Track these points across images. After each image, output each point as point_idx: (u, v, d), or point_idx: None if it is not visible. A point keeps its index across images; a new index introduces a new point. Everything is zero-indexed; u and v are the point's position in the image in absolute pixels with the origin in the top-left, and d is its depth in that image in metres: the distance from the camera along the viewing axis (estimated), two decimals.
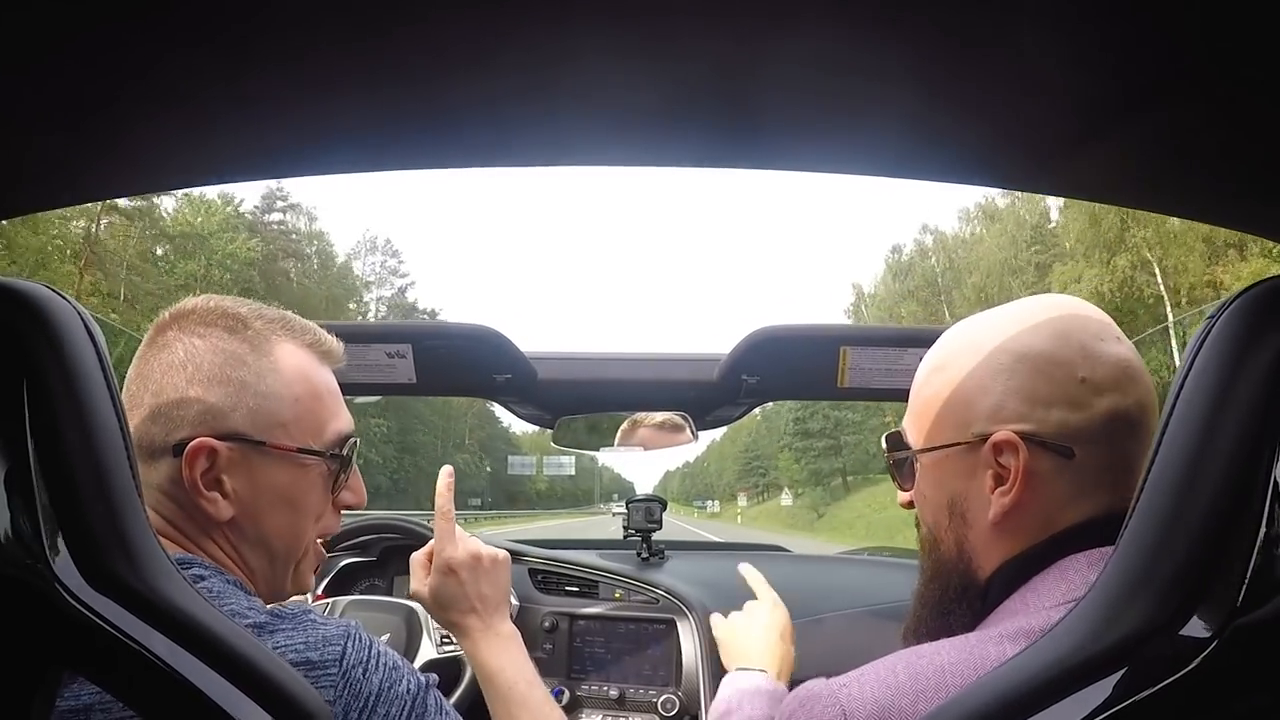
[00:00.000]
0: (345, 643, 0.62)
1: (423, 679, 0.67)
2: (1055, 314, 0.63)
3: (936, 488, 0.67)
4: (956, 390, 0.65)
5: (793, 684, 0.64)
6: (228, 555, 0.68)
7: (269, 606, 0.63)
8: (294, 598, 1.33)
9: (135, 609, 0.42)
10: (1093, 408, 0.60)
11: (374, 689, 0.61)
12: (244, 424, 0.66)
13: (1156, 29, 0.37)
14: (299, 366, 0.71)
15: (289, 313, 0.74)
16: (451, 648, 1.27)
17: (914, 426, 0.70)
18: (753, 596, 1.12)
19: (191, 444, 0.64)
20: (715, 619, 1.12)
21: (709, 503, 77.43)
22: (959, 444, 0.64)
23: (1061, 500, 0.60)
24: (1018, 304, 0.67)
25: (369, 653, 0.63)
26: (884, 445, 0.75)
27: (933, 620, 0.67)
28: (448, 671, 1.22)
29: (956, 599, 0.65)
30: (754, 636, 1.00)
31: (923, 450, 0.68)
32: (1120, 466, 0.60)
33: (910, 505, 0.73)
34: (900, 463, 0.72)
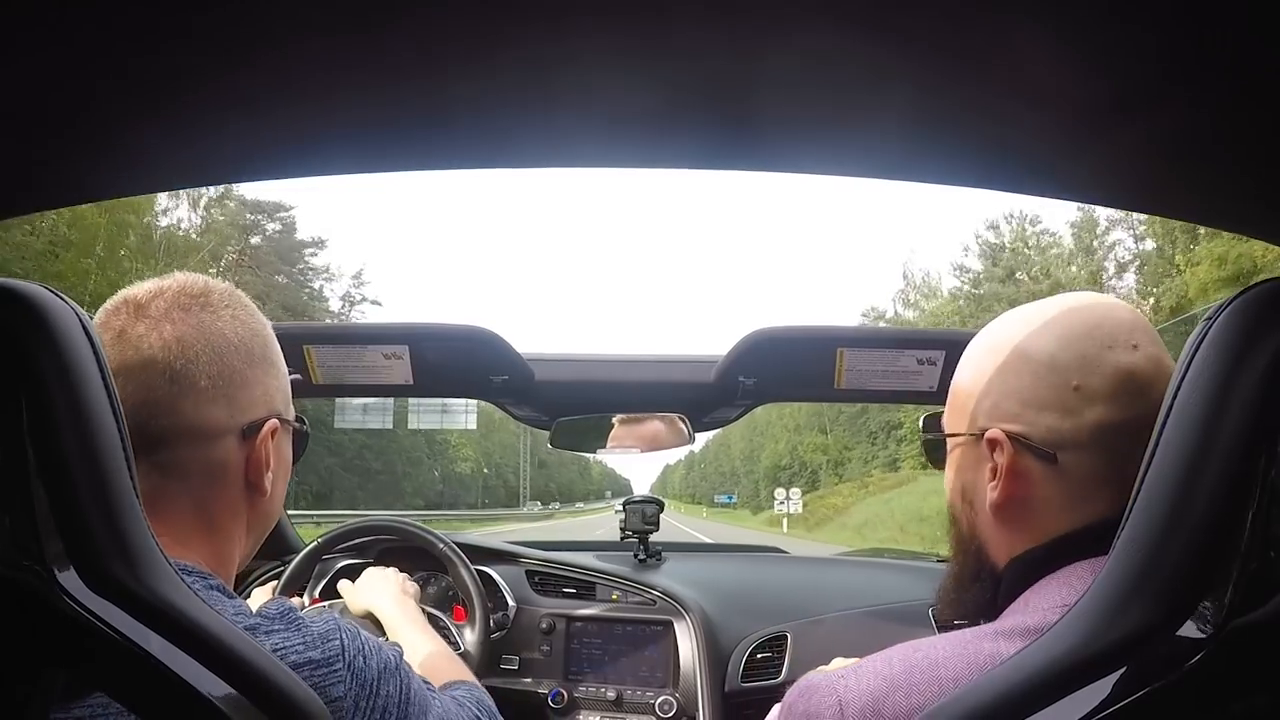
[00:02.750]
0: (340, 636, 0.63)
1: (393, 651, 0.69)
2: (1072, 315, 0.63)
3: (954, 472, 0.71)
4: (970, 385, 0.68)
5: (793, 684, 0.65)
6: (242, 536, 0.70)
7: (255, 609, 0.64)
8: (295, 598, 1.33)
9: (134, 611, 0.42)
10: (1082, 416, 0.60)
11: (374, 672, 0.64)
12: (278, 403, 0.71)
13: (1156, 32, 0.37)
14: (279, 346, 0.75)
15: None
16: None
17: (947, 413, 0.73)
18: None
19: (269, 425, 0.68)
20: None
21: (784, 494, 33.76)
22: (966, 435, 0.68)
23: (1057, 503, 0.62)
24: (1047, 301, 0.67)
25: (360, 639, 0.65)
26: (920, 426, 0.81)
27: (954, 592, 0.71)
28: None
29: (973, 578, 0.69)
30: None
31: (945, 436, 0.72)
32: (1116, 476, 0.60)
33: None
34: (932, 444, 0.76)
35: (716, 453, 78.33)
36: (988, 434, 0.64)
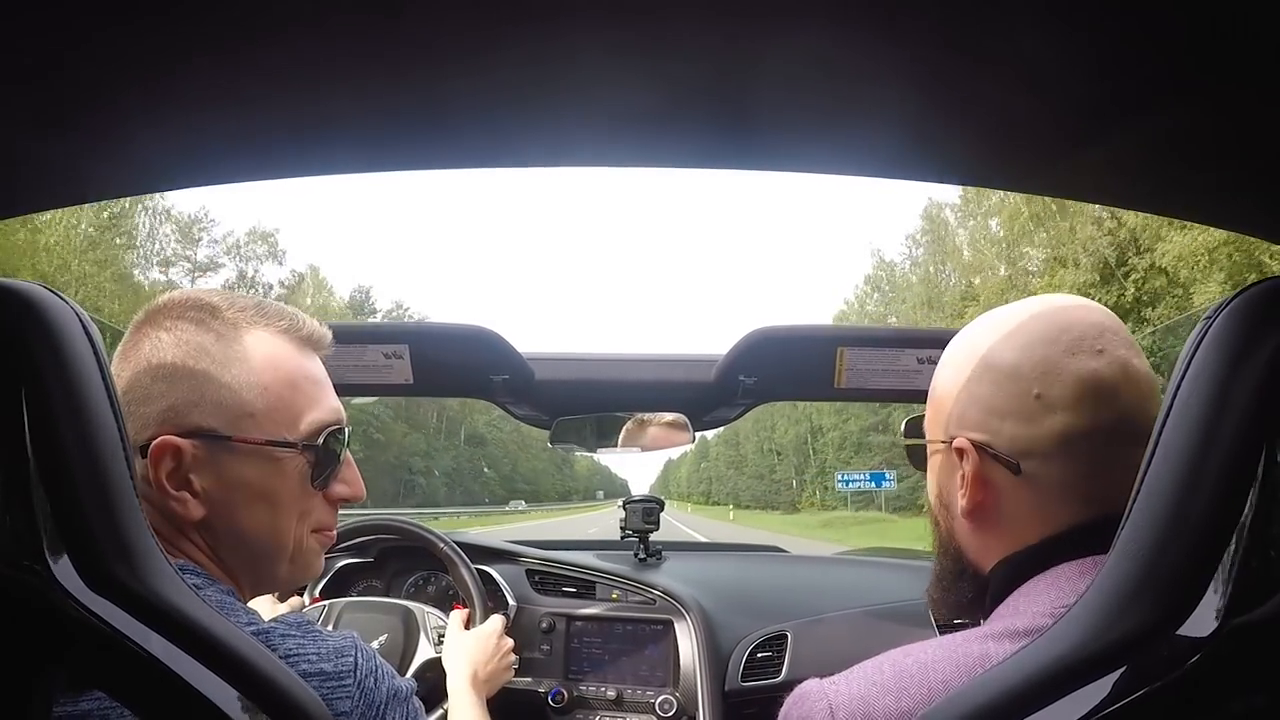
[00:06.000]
0: (355, 654, 0.63)
1: (408, 684, 0.69)
2: (1037, 321, 0.63)
3: (931, 476, 0.72)
4: (942, 391, 0.69)
5: (793, 683, 0.65)
6: (207, 558, 0.65)
7: (273, 616, 0.64)
8: (292, 598, 1.33)
9: (135, 611, 0.42)
10: (1043, 425, 0.60)
11: (383, 696, 0.64)
12: (209, 418, 0.63)
13: (1156, 31, 0.37)
14: (270, 354, 0.66)
15: (265, 299, 0.70)
16: None
17: (927, 419, 0.74)
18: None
19: (155, 443, 0.61)
20: None
21: None
22: (938, 442, 0.68)
23: (1025, 510, 0.62)
24: (1017, 305, 0.67)
25: (375, 662, 0.65)
26: (902, 429, 0.80)
27: (940, 589, 0.73)
28: (443, 671, 1.22)
29: (955, 578, 0.70)
30: None
31: (922, 442, 0.73)
32: (1084, 484, 0.60)
33: None
34: (915, 448, 0.76)
35: (755, 426, 58.05)
36: (954, 442, 0.64)
